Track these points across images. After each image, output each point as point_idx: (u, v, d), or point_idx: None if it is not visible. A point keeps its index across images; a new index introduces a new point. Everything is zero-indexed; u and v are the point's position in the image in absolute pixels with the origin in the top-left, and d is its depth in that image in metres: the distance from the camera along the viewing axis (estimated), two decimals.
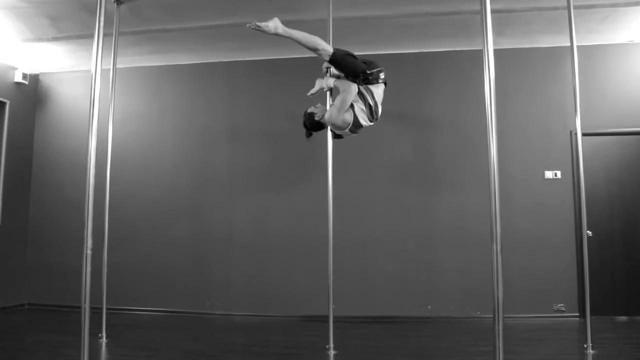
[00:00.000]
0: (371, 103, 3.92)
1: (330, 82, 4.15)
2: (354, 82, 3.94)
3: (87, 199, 3.03)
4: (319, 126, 4.12)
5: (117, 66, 5.16)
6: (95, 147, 3.05)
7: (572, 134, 5.90)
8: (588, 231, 5.36)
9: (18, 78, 6.80)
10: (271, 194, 6.41)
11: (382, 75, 3.95)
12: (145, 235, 6.62)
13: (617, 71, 6.10)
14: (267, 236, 6.36)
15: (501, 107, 5.21)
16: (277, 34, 3.77)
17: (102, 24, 3.20)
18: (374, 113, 3.98)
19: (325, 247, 4.49)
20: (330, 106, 4.06)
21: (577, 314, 5.77)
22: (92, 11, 3.63)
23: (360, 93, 3.93)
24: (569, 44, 4.46)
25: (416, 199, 6.18)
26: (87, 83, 3.68)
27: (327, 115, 3.96)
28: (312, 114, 4.09)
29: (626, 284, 5.83)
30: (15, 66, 6.83)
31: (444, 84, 6.34)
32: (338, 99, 3.91)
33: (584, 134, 4.71)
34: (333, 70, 4.17)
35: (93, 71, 3.13)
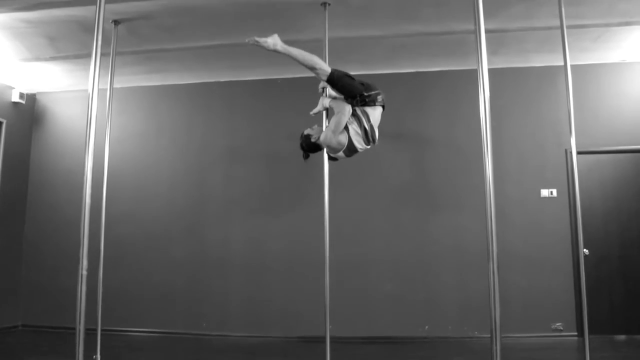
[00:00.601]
0: (366, 126, 3.87)
1: (326, 102, 4.11)
2: (350, 103, 3.90)
3: (83, 218, 3.01)
4: (316, 148, 4.06)
5: (115, 86, 5.17)
6: (91, 166, 3.04)
7: (567, 152, 5.93)
8: (585, 249, 5.36)
9: (15, 97, 6.82)
10: (268, 214, 6.40)
11: (379, 98, 3.91)
12: (141, 255, 6.58)
13: (611, 90, 6.16)
14: (264, 256, 6.34)
15: (496, 125, 5.23)
16: (275, 51, 3.80)
17: (99, 43, 3.22)
18: (370, 136, 3.92)
19: (322, 267, 4.47)
20: (326, 127, 4.02)
21: (576, 333, 5.74)
22: (90, 31, 3.66)
23: (355, 115, 3.89)
24: (562, 63, 4.50)
25: (413, 219, 6.18)
26: (84, 102, 3.70)
27: (322, 137, 3.90)
28: (308, 136, 4.04)
29: (624, 303, 5.81)
30: (13, 85, 6.85)
31: (439, 103, 6.38)
32: (332, 120, 3.86)
33: (578, 152, 4.73)
34: (330, 90, 4.14)
35: (90, 91, 3.14)
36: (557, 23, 4.47)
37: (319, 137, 3.99)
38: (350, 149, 3.93)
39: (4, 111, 6.72)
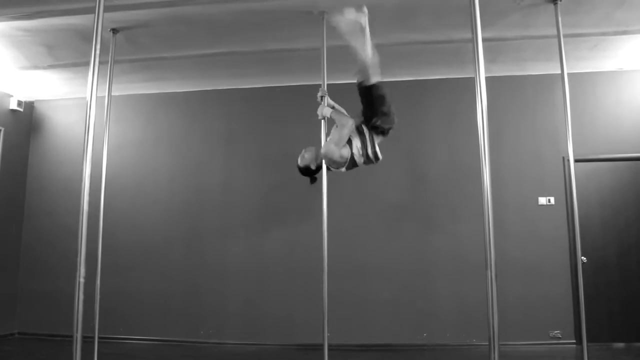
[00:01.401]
0: (369, 151, 3.72)
1: (327, 112, 3.90)
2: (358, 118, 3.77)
3: (81, 226, 3.01)
4: (318, 169, 3.91)
5: (113, 94, 5.18)
6: (89, 174, 3.04)
7: (565, 160, 5.94)
8: (583, 257, 5.37)
9: (13, 105, 6.82)
10: (266, 222, 6.40)
11: (388, 132, 3.78)
12: (139, 262, 6.56)
13: (608, 98, 6.18)
14: (262, 264, 6.33)
15: (494, 134, 5.24)
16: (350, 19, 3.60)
17: (98, 52, 3.22)
18: (372, 157, 3.76)
19: (320, 275, 4.47)
20: (327, 140, 3.82)
21: (574, 341, 5.73)
22: (88, 39, 3.66)
23: (361, 132, 3.73)
24: (559, 72, 4.53)
25: (411, 226, 6.18)
26: (82, 110, 3.69)
27: (323, 150, 3.70)
28: (307, 167, 3.84)
29: (623, 310, 5.81)
30: (11, 93, 6.86)
31: (436, 110, 6.40)
32: (335, 133, 3.69)
33: (576, 160, 4.74)
34: (329, 100, 4.07)
35: (88, 98, 3.14)
36: (554, 32, 4.50)
37: (316, 157, 3.83)
38: (353, 163, 3.76)
39: (2, 119, 6.72)
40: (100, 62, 3.24)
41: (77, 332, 2.93)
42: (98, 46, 3.23)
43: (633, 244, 5.92)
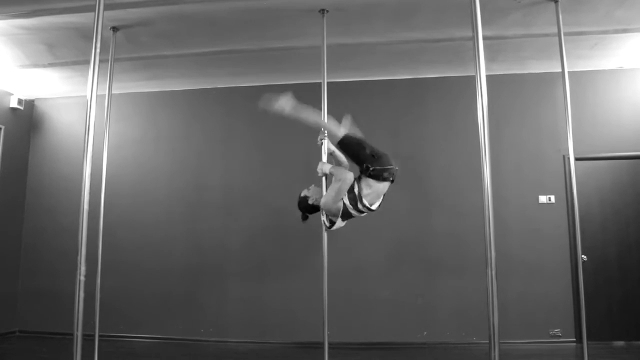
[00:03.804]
0: (359, 205, 3.75)
1: (326, 168, 3.98)
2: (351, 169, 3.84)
3: (81, 224, 3.01)
4: (314, 209, 3.99)
5: (113, 92, 5.18)
6: (89, 172, 3.05)
7: (565, 159, 5.94)
8: (583, 255, 5.37)
9: (13, 103, 6.82)
10: (267, 219, 6.40)
11: (385, 175, 3.71)
12: (139, 261, 6.57)
13: (608, 96, 6.18)
14: (262, 262, 6.33)
15: (494, 132, 5.24)
16: (283, 111, 3.83)
17: (98, 50, 3.22)
18: (364, 209, 3.79)
19: (320, 273, 4.47)
20: (326, 193, 3.88)
21: (574, 339, 5.73)
22: (88, 38, 3.67)
23: (353, 187, 3.77)
24: (560, 70, 4.53)
25: (410, 224, 6.18)
26: (83, 109, 3.69)
27: (322, 202, 3.83)
28: (305, 198, 3.97)
29: (623, 309, 5.81)
30: (11, 92, 6.86)
31: (436, 108, 6.40)
32: (333, 188, 3.76)
33: (576, 159, 4.74)
34: (330, 144, 4.07)
35: (88, 97, 3.14)
36: (555, 30, 4.50)
37: (316, 199, 3.95)
38: (345, 215, 3.83)
39: (2, 117, 6.72)
40: (100, 61, 3.24)
41: (77, 330, 2.93)
42: (98, 44, 3.24)
43: (633, 243, 5.92)
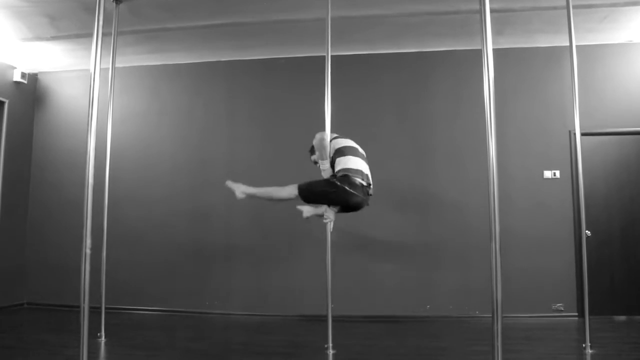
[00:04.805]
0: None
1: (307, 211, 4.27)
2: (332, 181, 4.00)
3: (86, 198, 3.03)
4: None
5: (116, 65, 5.14)
6: (94, 146, 3.05)
7: (571, 134, 5.90)
8: (587, 231, 5.37)
9: (17, 77, 6.80)
10: None
11: (354, 180, 4.01)
12: (144, 234, 6.61)
13: (617, 71, 6.10)
14: (266, 235, 6.36)
15: (500, 106, 5.19)
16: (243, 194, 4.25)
17: (101, 23, 3.20)
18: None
19: (324, 246, 4.49)
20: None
21: (576, 314, 5.77)
22: (91, 10, 3.62)
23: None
24: (568, 44, 4.46)
25: (416, 199, 6.19)
26: (86, 82, 3.66)
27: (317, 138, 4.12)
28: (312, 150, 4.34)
29: (625, 284, 5.84)
30: (14, 65, 6.83)
31: (443, 82, 6.34)
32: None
33: (582, 134, 4.70)
34: (323, 164, 4.22)
35: (92, 70, 3.13)
36: (563, 3, 4.42)
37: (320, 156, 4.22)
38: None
39: (6, 91, 6.70)
40: (103, 34, 3.22)
41: (84, 302, 2.97)
42: (101, 17, 3.21)
43: (637, 218, 5.91)
